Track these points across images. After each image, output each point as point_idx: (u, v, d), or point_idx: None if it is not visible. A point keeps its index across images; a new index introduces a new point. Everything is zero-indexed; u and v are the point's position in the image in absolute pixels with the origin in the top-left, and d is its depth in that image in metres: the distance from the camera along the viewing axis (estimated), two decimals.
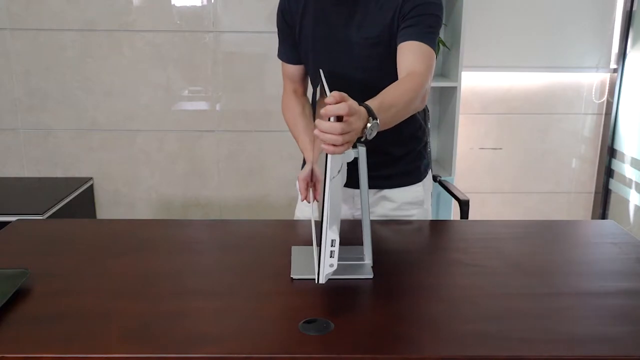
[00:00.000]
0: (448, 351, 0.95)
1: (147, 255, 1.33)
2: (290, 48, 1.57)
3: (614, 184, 2.84)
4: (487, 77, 2.79)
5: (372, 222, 1.46)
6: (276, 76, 1.73)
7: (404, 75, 1.31)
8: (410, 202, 1.58)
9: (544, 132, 2.87)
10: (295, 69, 1.61)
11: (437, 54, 1.45)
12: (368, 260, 1.25)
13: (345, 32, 1.44)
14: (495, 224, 1.57)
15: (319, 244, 1.04)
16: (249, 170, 2.85)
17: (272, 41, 1.65)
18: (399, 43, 1.39)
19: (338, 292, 1.14)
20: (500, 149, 2.89)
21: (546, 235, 1.48)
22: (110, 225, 1.58)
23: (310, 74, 1.60)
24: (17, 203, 2.46)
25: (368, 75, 1.47)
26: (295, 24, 1.52)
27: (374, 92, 1.23)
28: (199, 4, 2.63)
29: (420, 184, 1.60)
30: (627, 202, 2.73)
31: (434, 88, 2.67)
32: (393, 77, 1.36)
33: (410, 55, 1.34)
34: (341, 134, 0.96)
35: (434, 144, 2.88)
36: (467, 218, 1.99)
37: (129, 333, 0.99)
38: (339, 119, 0.97)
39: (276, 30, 1.60)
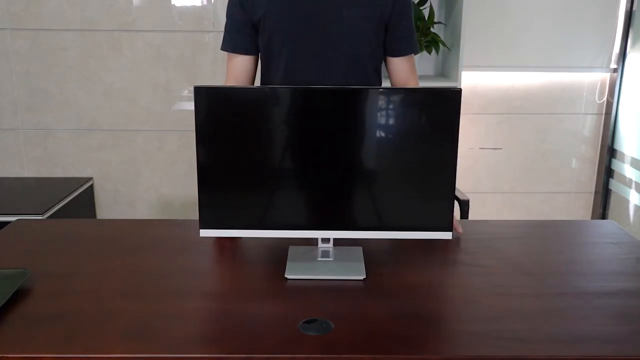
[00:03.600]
0: (448, 351, 0.95)
1: (147, 255, 1.33)
2: (246, 37, 1.52)
3: (614, 184, 2.84)
4: (487, 77, 2.78)
5: None
6: None
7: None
8: None
9: (544, 132, 2.87)
10: (245, 61, 1.55)
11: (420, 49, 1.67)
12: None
13: (335, 9, 1.46)
14: (495, 224, 1.57)
15: None
16: None
17: None
18: (391, 56, 1.56)
19: (338, 292, 1.14)
20: (500, 149, 2.89)
21: (546, 235, 1.48)
22: (110, 225, 1.58)
23: (273, 60, 1.54)
24: (17, 203, 2.46)
25: (356, 50, 1.51)
26: (260, 4, 1.48)
27: (360, 65, 1.44)
28: (199, 4, 2.63)
29: None
30: (627, 202, 2.73)
31: None
32: (379, 50, 1.53)
33: (404, 72, 1.60)
34: None
35: None
36: (467, 218, 1.99)
37: (129, 333, 0.99)
38: None
39: None
